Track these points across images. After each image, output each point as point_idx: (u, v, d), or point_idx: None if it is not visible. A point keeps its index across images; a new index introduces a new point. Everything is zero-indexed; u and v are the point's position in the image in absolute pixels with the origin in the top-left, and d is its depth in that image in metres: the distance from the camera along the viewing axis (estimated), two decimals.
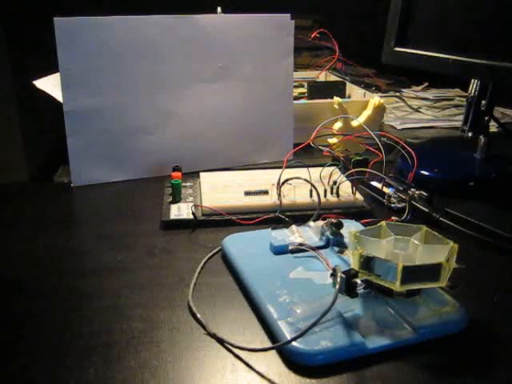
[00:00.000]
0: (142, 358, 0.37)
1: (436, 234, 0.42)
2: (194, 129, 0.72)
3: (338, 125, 0.77)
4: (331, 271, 0.41)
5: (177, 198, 0.61)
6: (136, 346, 0.38)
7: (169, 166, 0.64)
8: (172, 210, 0.58)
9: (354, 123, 0.78)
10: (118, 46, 0.65)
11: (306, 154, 0.74)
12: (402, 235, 0.43)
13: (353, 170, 0.63)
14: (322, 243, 0.50)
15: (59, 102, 0.66)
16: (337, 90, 0.91)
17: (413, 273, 0.38)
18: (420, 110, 1.06)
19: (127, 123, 0.68)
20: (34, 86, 0.71)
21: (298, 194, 0.60)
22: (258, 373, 0.36)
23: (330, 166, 0.64)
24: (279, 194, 0.58)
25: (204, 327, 0.40)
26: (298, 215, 0.56)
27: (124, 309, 0.42)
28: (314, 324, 0.36)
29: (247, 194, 0.60)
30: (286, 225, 0.52)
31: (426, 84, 1.19)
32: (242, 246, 0.50)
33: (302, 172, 0.59)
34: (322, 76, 1.07)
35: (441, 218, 0.56)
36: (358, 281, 0.40)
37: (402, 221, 0.56)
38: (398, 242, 0.43)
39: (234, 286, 0.46)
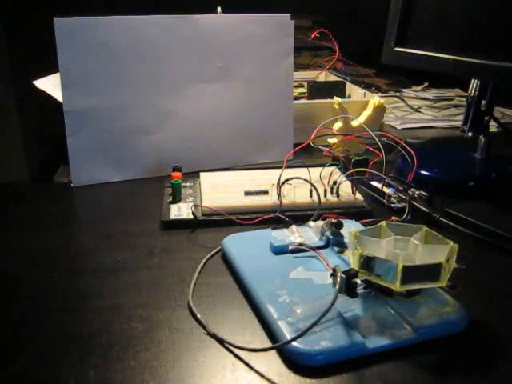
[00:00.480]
0: (142, 358, 0.37)
1: (436, 234, 0.42)
2: (194, 129, 0.72)
3: (337, 125, 0.77)
4: (331, 271, 0.41)
5: (177, 198, 0.61)
6: (136, 346, 0.38)
7: (169, 166, 0.64)
8: (172, 210, 0.58)
9: (354, 123, 0.78)
10: (118, 46, 0.65)
11: (306, 154, 0.74)
12: (402, 235, 0.43)
13: (353, 170, 0.63)
14: (321, 243, 0.50)
15: (59, 101, 0.66)
16: (337, 89, 0.91)
17: (413, 273, 0.38)
18: (420, 109, 1.06)
19: (127, 123, 0.68)
20: (34, 85, 0.71)
21: (298, 193, 0.60)
22: (258, 373, 0.36)
23: (330, 166, 0.64)
24: (279, 194, 0.58)
25: (204, 327, 0.40)
26: (298, 215, 0.56)
27: (124, 309, 0.42)
28: (314, 324, 0.36)
29: (247, 194, 0.60)
30: (286, 225, 0.52)
31: (426, 84, 1.19)
32: (242, 245, 0.50)
33: (302, 172, 0.59)
34: (322, 76, 1.07)
35: (441, 218, 0.56)
36: (358, 281, 0.40)
37: (402, 221, 0.56)
38: (398, 242, 0.43)
39: (234, 286, 0.46)
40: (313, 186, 0.58)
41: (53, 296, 0.44)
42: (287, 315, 0.39)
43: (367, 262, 0.39)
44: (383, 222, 0.44)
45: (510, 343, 0.39)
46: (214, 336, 0.39)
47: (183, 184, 0.63)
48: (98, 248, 0.53)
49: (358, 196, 0.61)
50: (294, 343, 0.36)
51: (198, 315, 0.41)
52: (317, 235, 0.51)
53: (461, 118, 0.76)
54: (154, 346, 0.38)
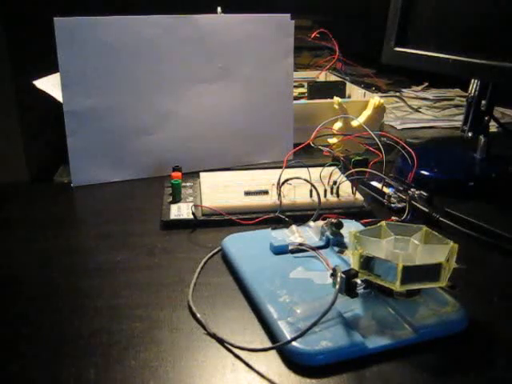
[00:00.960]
0: (142, 358, 0.37)
1: (436, 234, 0.42)
2: (194, 129, 0.72)
3: (338, 125, 0.77)
4: (331, 271, 0.41)
5: (177, 198, 0.61)
6: (136, 346, 0.38)
7: (169, 166, 0.64)
8: (172, 210, 0.58)
9: (354, 123, 0.78)
10: (118, 46, 0.65)
11: (306, 154, 0.74)
12: (402, 235, 0.43)
13: (353, 170, 0.63)
14: (322, 243, 0.50)
15: (59, 101, 0.66)
16: (337, 90, 0.91)
17: (413, 273, 0.38)
18: (420, 110, 1.06)
19: (127, 123, 0.68)
20: (34, 85, 0.71)
21: (297, 193, 0.60)
22: (258, 373, 0.36)
23: (330, 166, 0.64)
24: (279, 194, 0.58)
25: (204, 327, 0.40)
26: (298, 215, 0.56)
27: (124, 309, 0.42)
28: (314, 324, 0.36)
29: (247, 194, 0.60)
30: (286, 225, 0.52)
31: (426, 84, 1.19)
32: (242, 246, 0.50)
33: (302, 172, 0.59)
34: (322, 76, 1.07)
35: (441, 218, 0.56)
36: (358, 281, 0.40)
37: (402, 221, 0.56)
38: (398, 242, 0.43)
39: (234, 286, 0.46)
40: (313, 186, 0.58)
41: (53, 296, 0.44)
42: (287, 315, 0.39)
43: (367, 262, 0.39)
44: (383, 222, 0.44)
45: (510, 343, 0.39)
46: (214, 336, 0.39)
47: (183, 184, 0.63)
48: (98, 248, 0.53)
49: (358, 196, 0.61)
50: (293, 343, 0.36)
51: (198, 315, 0.41)
52: (317, 235, 0.51)
53: (461, 118, 0.76)
54: (153, 346, 0.38)
